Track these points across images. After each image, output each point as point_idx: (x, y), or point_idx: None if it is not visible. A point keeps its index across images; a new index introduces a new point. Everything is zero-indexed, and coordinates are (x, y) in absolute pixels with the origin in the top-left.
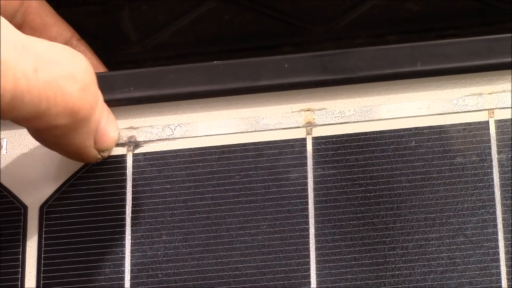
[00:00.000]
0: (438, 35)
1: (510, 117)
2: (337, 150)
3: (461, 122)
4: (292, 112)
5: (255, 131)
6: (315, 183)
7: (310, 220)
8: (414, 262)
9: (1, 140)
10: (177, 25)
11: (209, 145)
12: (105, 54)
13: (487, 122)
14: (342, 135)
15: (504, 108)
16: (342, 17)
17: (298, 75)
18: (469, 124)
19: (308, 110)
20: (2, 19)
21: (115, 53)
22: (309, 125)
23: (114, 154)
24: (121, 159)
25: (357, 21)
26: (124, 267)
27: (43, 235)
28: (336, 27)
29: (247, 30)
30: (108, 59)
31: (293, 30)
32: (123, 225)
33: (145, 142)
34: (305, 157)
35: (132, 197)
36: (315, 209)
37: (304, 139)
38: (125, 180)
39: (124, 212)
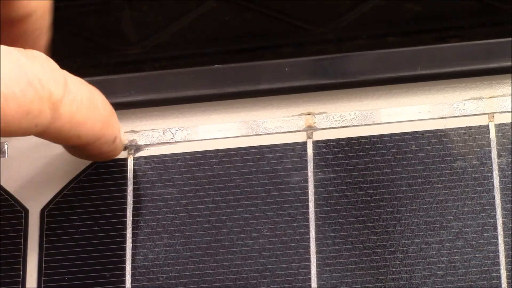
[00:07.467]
0: (439, 35)
1: (510, 121)
2: (338, 154)
3: (461, 126)
4: (292, 116)
5: (256, 134)
6: (315, 186)
7: (310, 223)
8: (414, 265)
9: (2, 144)
10: (177, 26)
11: (210, 149)
12: (105, 54)
13: (487, 126)
14: (343, 139)
15: (504, 112)
16: (342, 17)
17: (298, 79)
18: (469, 128)
19: (309, 114)
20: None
21: (115, 53)
22: (310, 128)
23: (115, 157)
24: (122, 162)
25: (357, 22)
26: (125, 270)
27: (44, 239)
28: (336, 28)
29: (247, 30)
30: (108, 60)
31: (293, 31)
32: (124, 229)
33: (146, 145)
34: (306, 160)
35: (133, 200)
36: (316, 212)
37: (305, 143)
38: (126, 184)
39: (125, 216)
